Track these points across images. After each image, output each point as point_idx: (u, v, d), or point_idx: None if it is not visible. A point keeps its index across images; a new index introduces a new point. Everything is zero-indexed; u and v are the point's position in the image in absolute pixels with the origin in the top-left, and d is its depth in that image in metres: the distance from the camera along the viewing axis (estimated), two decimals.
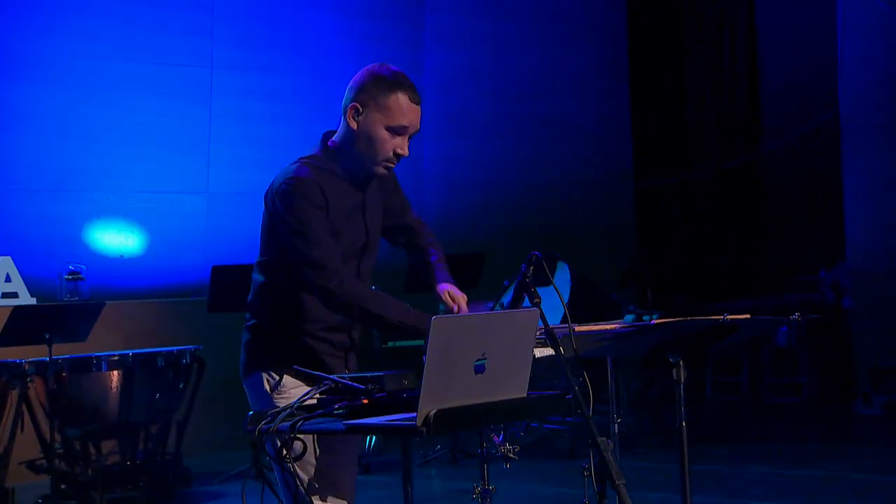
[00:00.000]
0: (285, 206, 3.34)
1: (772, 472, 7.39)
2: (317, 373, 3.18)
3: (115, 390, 7.26)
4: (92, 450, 7.44)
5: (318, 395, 3.13)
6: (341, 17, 10.85)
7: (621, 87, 12.92)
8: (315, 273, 3.30)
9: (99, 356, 7.25)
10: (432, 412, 2.79)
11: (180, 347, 7.66)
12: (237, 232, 9.99)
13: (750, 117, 13.41)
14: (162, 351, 7.51)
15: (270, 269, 3.48)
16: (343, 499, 3.40)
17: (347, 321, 3.46)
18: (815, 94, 12.08)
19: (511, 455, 3.45)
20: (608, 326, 3.62)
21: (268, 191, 3.45)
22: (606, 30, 12.78)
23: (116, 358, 7.29)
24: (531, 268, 3.30)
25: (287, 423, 3.00)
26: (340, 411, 3.03)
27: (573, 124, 12.34)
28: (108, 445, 7.60)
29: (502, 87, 11.39)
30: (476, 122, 11.58)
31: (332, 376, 3.13)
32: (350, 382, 3.09)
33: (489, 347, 2.91)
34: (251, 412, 3.13)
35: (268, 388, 3.43)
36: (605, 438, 3.13)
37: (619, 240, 12.40)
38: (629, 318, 8.02)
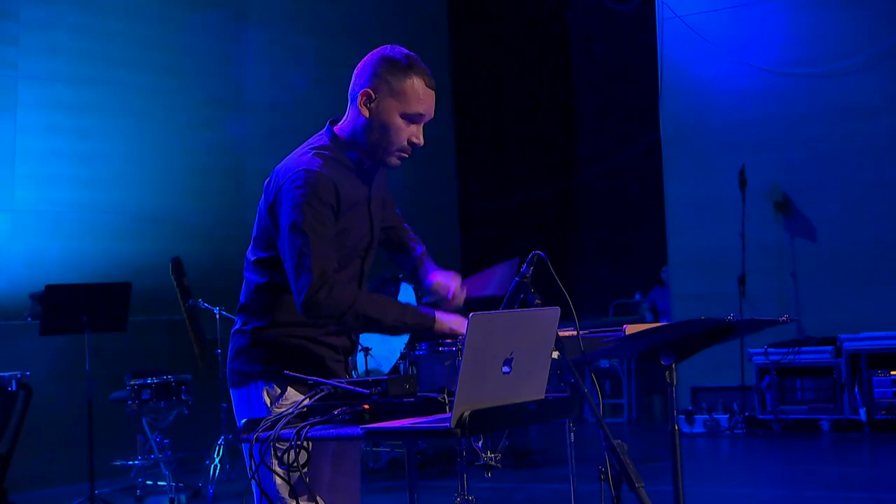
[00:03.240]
0: (292, 199, 3.05)
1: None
2: (315, 378, 2.91)
3: None
4: None
5: (314, 402, 2.88)
6: (156, 28, 10.34)
7: (445, 110, 12.90)
8: (304, 277, 3.00)
9: None
10: (467, 413, 2.61)
11: (9, 373, 7.06)
12: (44, 252, 9.37)
13: (569, 144, 13.64)
14: None
15: (269, 267, 3.17)
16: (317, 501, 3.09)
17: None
18: (637, 120, 12.40)
19: (493, 463, 3.24)
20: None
21: (271, 180, 3.18)
22: (429, 53, 12.72)
23: None
24: (531, 268, 3.15)
25: (290, 430, 2.74)
26: (342, 417, 2.81)
27: None
28: None
29: (325, 106, 11.14)
30: (300, 139, 11.23)
31: (330, 381, 2.88)
32: (351, 387, 2.86)
33: (516, 346, 2.77)
34: (244, 420, 2.85)
35: (268, 400, 3.12)
36: (619, 441, 3.00)
37: (444, 264, 12.28)
38: None
